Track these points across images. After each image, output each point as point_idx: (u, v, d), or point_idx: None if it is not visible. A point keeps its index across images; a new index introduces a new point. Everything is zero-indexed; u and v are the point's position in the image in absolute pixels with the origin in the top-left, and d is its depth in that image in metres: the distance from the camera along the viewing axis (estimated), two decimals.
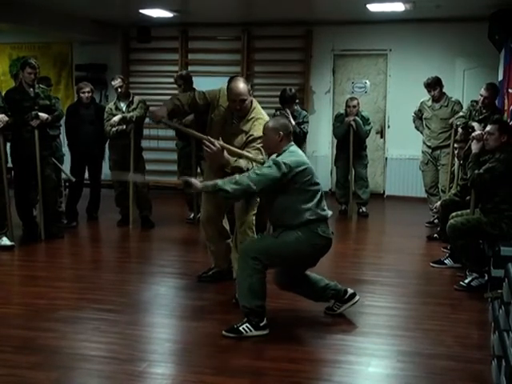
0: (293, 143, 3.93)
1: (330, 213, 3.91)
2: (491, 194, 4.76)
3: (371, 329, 4.00)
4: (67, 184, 7.41)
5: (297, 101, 7.22)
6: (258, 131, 4.22)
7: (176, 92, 7.49)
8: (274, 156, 3.87)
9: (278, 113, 6.69)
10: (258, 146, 4.23)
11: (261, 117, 4.37)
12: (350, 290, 4.20)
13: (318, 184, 3.85)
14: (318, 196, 3.82)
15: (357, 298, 4.20)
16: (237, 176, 3.76)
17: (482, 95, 6.23)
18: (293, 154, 3.82)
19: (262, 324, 3.80)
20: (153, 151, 9.42)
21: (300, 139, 6.57)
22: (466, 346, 3.71)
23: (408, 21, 8.87)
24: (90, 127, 7.23)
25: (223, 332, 3.79)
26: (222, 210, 4.68)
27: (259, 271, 3.75)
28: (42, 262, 5.84)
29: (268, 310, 3.86)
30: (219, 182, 3.73)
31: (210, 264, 4.98)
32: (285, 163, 3.70)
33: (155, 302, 4.62)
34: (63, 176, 7.40)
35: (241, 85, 4.30)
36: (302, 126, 6.87)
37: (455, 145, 5.96)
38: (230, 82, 4.35)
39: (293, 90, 7.08)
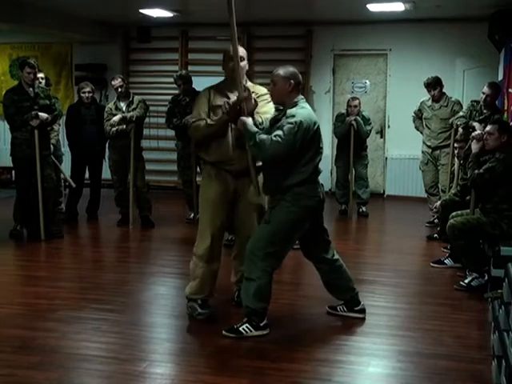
0: (302, 96, 3.86)
1: (320, 170, 3.90)
2: (491, 193, 4.76)
3: (371, 329, 4.00)
4: (67, 184, 7.42)
5: None
6: (259, 90, 4.11)
7: (176, 92, 7.49)
8: (292, 110, 3.71)
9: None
10: (267, 102, 4.08)
11: (256, 85, 4.24)
12: (362, 305, 4.18)
13: (322, 148, 3.83)
14: (318, 159, 3.79)
15: (364, 315, 4.16)
16: (264, 138, 3.64)
17: (484, 93, 6.22)
18: (307, 110, 3.76)
19: (262, 324, 3.80)
20: (153, 151, 9.43)
21: None
22: (466, 346, 3.71)
23: (408, 21, 8.87)
24: (91, 127, 7.25)
25: (223, 332, 3.79)
26: (227, 223, 4.26)
27: (269, 273, 3.76)
28: (42, 262, 5.84)
29: (268, 310, 3.85)
30: (256, 137, 3.64)
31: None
32: (304, 120, 3.64)
33: (155, 302, 4.62)
34: (62, 176, 7.42)
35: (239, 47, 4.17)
36: None
37: (455, 144, 5.96)
38: (226, 49, 4.22)
39: None
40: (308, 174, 3.75)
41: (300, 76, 3.87)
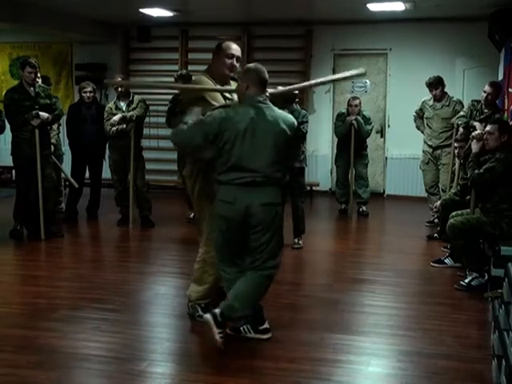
0: (255, 98, 3.53)
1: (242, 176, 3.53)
2: (491, 193, 4.76)
3: (371, 328, 4.00)
4: (67, 183, 7.43)
5: (297, 100, 7.23)
6: None
7: (176, 91, 7.47)
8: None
9: None
10: None
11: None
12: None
13: (236, 150, 3.47)
14: (233, 161, 3.47)
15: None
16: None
17: (485, 91, 6.23)
18: (225, 110, 3.54)
19: (261, 328, 3.74)
20: (153, 150, 9.43)
21: (300, 139, 6.57)
22: (465, 345, 3.71)
23: (408, 20, 8.88)
24: (92, 127, 7.25)
25: (227, 330, 3.76)
26: None
27: (228, 279, 3.69)
28: (42, 262, 5.84)
29: (268, 310, 3.86)
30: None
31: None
32: (208, 118, 3.49)
33: (155, 301, 4.62)
34: (62, 176, 7.41)
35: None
36: (302, 126, 6.84)
37: (455, 144, 5.97)
38: (221, 43, 3.93)
39: None
40: (220, 173, 3.55)
41: (265, 76, 3.61)
